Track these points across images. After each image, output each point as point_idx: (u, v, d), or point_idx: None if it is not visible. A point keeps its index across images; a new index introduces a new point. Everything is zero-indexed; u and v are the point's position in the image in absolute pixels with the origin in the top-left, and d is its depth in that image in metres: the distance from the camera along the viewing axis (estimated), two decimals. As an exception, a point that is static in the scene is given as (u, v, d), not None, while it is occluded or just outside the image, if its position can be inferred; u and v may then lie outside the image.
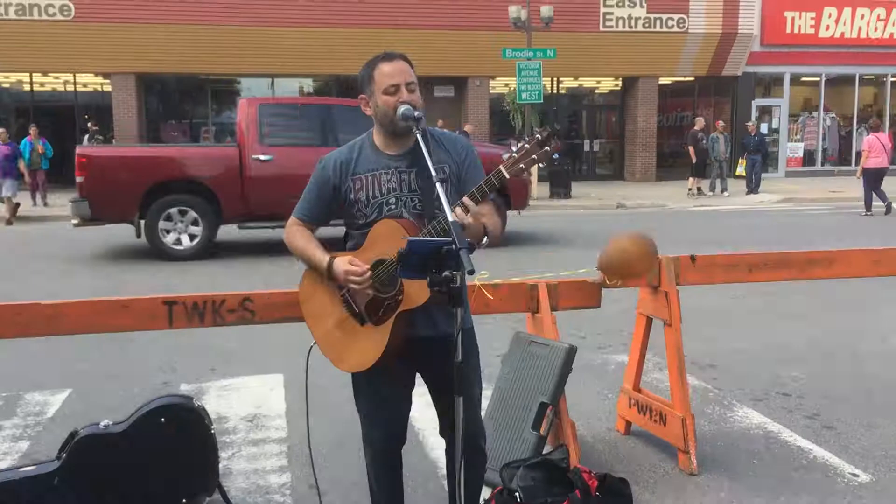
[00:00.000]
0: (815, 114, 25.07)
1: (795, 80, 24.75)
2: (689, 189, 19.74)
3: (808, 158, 25.09)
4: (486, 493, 3.34)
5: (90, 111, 21.87)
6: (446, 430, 2.83)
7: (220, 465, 3.59)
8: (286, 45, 20.81)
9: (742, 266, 4.00)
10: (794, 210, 17.19)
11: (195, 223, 10.57)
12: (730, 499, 3.48)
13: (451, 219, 2.31)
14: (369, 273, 2.56)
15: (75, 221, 10.74)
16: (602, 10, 22.20)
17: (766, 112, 24.81)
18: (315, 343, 2.80)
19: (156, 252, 10.52)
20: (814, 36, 23.72)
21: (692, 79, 24.27)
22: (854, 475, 3.72)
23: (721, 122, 20.25)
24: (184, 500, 3.35)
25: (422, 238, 2.37)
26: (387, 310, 2.62)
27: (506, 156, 2.56)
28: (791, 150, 24.85)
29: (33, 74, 21.88)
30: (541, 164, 2.54)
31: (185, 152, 11.61)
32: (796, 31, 23.66)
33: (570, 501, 3.18)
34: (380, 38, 20.94)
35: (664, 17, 22.50)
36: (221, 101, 24.04)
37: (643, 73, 23.23)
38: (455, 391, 2.26)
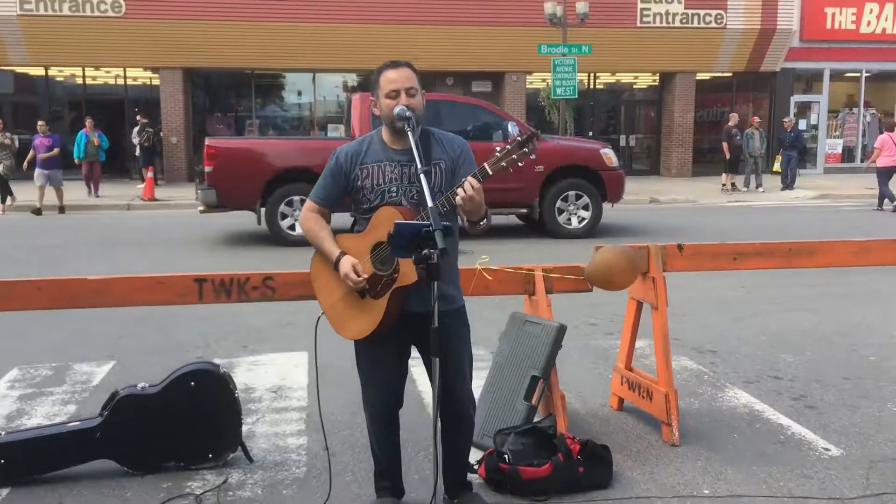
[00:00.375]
0: (854, 110, 24.86)
1: (836, 75, 24.56)
2: (724, 185, 19.80)
3: (848, 155, 24.92)
4: (480, 455, 3.71)
5: (139, 104, 22.58)
6: (440, 400, 3.19)
7: (245, 429, 4.01)
8: (328, 40, 21.30)
9: (727, 255, 4.30)
10: (828, 206, 17.18)
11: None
12: (704, 467, 3.79)
13: (430, 205, 2.68)
14: (364, 280, 2.95)
15: (202, 208, 11.77)
16: (639, 5, 22.32)
17: (805, 108, 24.68)
18: (323, 314, 3.19)
19: (274, 238, 11.21)
20: (854, 31, 23.54)
21: (730, 74, 24.24)
22: (826, 450, 4.00)
23: (756, 119, 20.26)
24: (210, 455, 3.78)
25: (406, 221, 2.74)
26: (384, 286, 2.99)
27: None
28: (830, 146, 24.71)
29: (86, 69, 22.67)
30: (520, 164, 2.88)
31: (303, 144, 12.52)
32: (837, 26, 23.50)
33: (552, 463, 3.52)
34: (418, 34, 21.45)
35: (702, 12, 22.53)
36: (265, 94, 24.64)
37: (680, 68, 23.29)
38: (431, 352, 2.63)
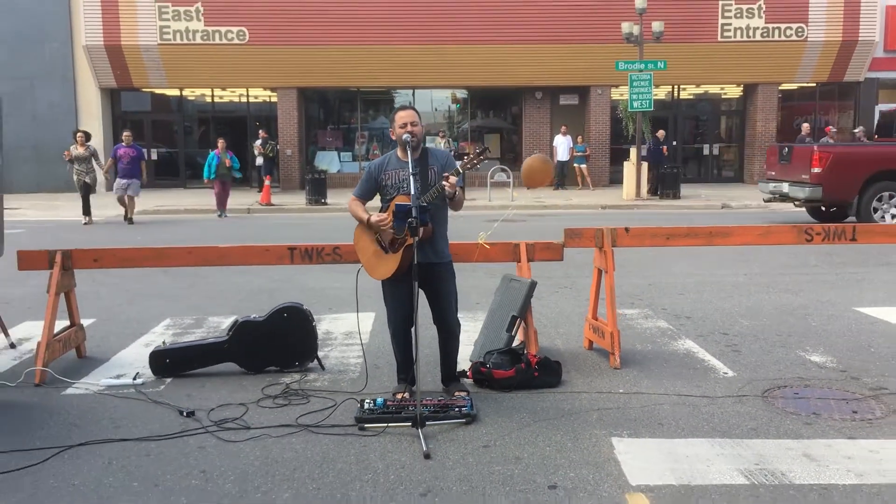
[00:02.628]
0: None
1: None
2: (797, 192, 20.69)
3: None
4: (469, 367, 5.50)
5: (259, 120, 25.32)
6: (435, 322, 5.05)
7: (321, 354, 5.94)
8: (426, 60, 23.48)
9: (662, 235, 5.95)
10: None
11: None
12: (629, 379, 5.45)
13: (412, 192, 4.52)
14: (389, 219, 4.79)
15: (797, 202, 15.36)
16: (720, 21, 23.45)
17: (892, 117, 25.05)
18: (361, 266, 5.07)
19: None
20: (940, 41, 23.91)
21: (814, 84, 24.96)
22: (725, 373, 5.59)
23: (832, 128, 21.07)
24: (296, 363, 5.72)
25: (401, 203, 4.59)
26: (399, 244, 4.85)
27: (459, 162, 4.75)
28: (916, 154, 25.01)
29: (214, 89, 25.61)
30: (477, 167, 4.69)
31: (891, 150, 15.05)
32: (921, 36, 23.92)
33: (516, 369, 5.28)
34: (509, 53, 23.34)
35: (783, 26, 23.45)
36: (371, 109, 27.00)
37: (762, 80, 24.24)
38: (413, 277, 4.46)
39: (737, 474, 3.87)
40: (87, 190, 16.53)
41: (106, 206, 18.96)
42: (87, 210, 16.46)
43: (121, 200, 16.68)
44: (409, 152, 4.76)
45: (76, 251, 5.86)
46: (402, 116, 4.89)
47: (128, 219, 16.64)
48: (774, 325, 7.01)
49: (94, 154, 16.68)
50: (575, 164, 23.84)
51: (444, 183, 4.68)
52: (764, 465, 3.98)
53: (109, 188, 18.98)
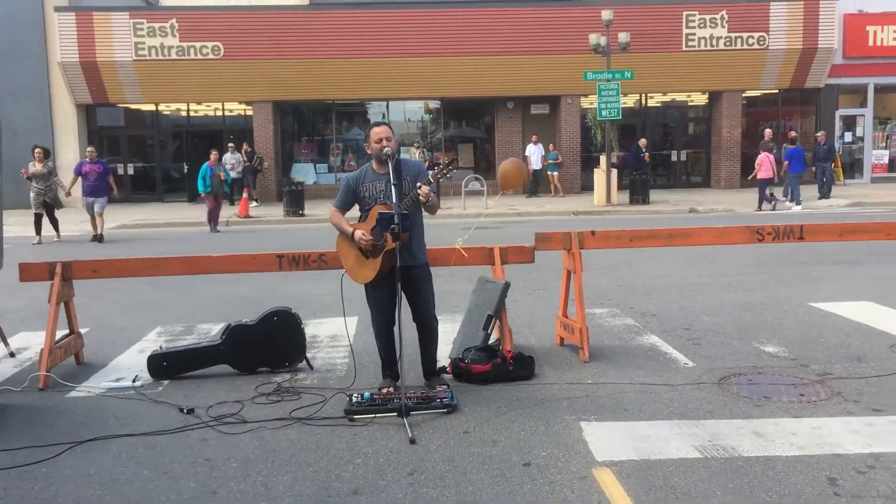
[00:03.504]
0: (900, 122, 26.02)
1: (881, 89, 25.72)
2: (763, 195, 21.37)
3: (893, 165, 26.07)
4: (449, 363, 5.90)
5: (235, 133, 25.59)
6: (415, 320, 5.45)
7: (309, 355, 6.31)
8: (400, 73, 23.93)
9: (625, 237, 6.40)
10: (857, 213, 18.63)
11: None
12: (597, 371, 5.87)
13: (394, 201, 4.92)
14: (371, 239, 5.19)
15: None
16: (684, 30, 24.12)
17: (851, 121, 25.94)
18: (345, 272, 5.46)
19: None
20: (896, 48, 24.80)
21: (776, 91, 25.72)
22: (686, 364, 6.03)
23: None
24: (286, 364, 6.09)
25: (384, 211, 4.99)
26: (378, 250, 5.24)
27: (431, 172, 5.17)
28: (876, 157, 25.91)
29: (189, 104, 25.87)
30: (448, 176, 5.11)
31: None
32: (879, 43, 24.78)
33: (492, 364, 5.69)
34: (480, 65, 23.85)
35: (745, 35, 24.17)
36: (345, 121, 27.38)
37: (727, 87, 24.94)
38: (395, 279, 4.87)
39: (692, 450, 4.30)
40: (48, 209, 15.95)
41: (74, 221, 18.97)
42: (38, 229, 15.83)
43: (93, 219, 16.10)
44: (389, 165, 5.16)
45: (75, 263, 6.20)
46: (377, 132, 5.30)
47: (97, 237, 15.97)
48: (733, 321, 7.47)
49: (51, 171, 15.99)
50: (549, 172, 24.36)
51: (417, 192, 5.08)
52: (716, 441, 4.42)
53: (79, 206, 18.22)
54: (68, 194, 16.57)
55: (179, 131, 26.60)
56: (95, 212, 15.95)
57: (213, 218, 17.75)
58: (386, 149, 5.20)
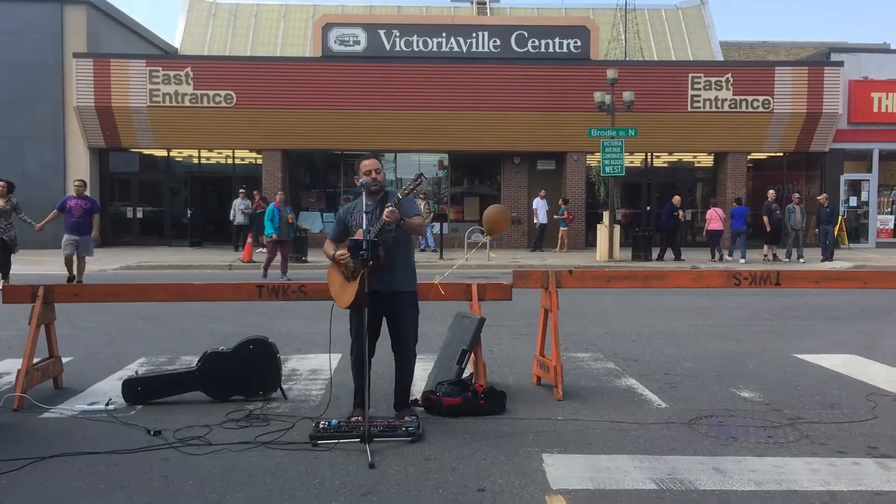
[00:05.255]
0: (906, 187, 26.09)
1: (888, 155, 25.85)
2: (765, 255, 21.38)
3: (898, 230, 26.12)
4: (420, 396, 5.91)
5: (245, 181, 25.91)
6: (393, 348, 5.49)
7: (286, 387, 6.34)
8: (408, 125, 24.29)
9: (603, 277, 6.45)
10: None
11: None
12: (569, 408, 5.87)
13: (364, 227, 5.01)
14: (346, 253, 5.26)
15: None
16: (690, 92, 24.42)
17: (856, 185, 26.02)
18: (334, 302, 5.52)
19: None
20: (901, 114, 25.00)
21: (782, 154, 25.89)
22: (659, 405, 6.02)
23: (797, 195, 21.84)
24: (260, 392, 6.12)
25: (354, 238, 5.08)
26: (356, 272, 5.31)
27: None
28: (882, 222, 25.91)
29: (201, 150, 26.28)
30: (416, 193, 5.21)
31: None
32: (883, 109, 24.98)
33: (463, 397, 5.71)
34: (488, 120, 24.20)
35: (749, 98, 24.43)
36: (353, 172, 27.63)
37: (732, 148, 25.12)
38: (364, 305, 4.92)
39: (649, 482, 4.29)
40: (3, 248, 13.74)
41: (24, 262, 16.18)
42: (5, 273, 13.80)
43: (68, 260, 13.90)
44: (363, 194, 5.26)
45: (58, 286, 6.30)
46: (366, 165, 5.44)
47: (73, 279, 13.89)
48: (714, 368, 7.46)
49: (15, 207, 13.82)
50: (561, 228, 24.24)
51: (384, 215, 5.17)
52: (675, 475, 4.41)
53: (56, 245, 16.07)
54: (40, 229, 14.05)
55: (191, 177, 26.97)
56: (79, 254, 13.93)
57: (268, 264, 16.51)
58: (362, 180, 5.32)
